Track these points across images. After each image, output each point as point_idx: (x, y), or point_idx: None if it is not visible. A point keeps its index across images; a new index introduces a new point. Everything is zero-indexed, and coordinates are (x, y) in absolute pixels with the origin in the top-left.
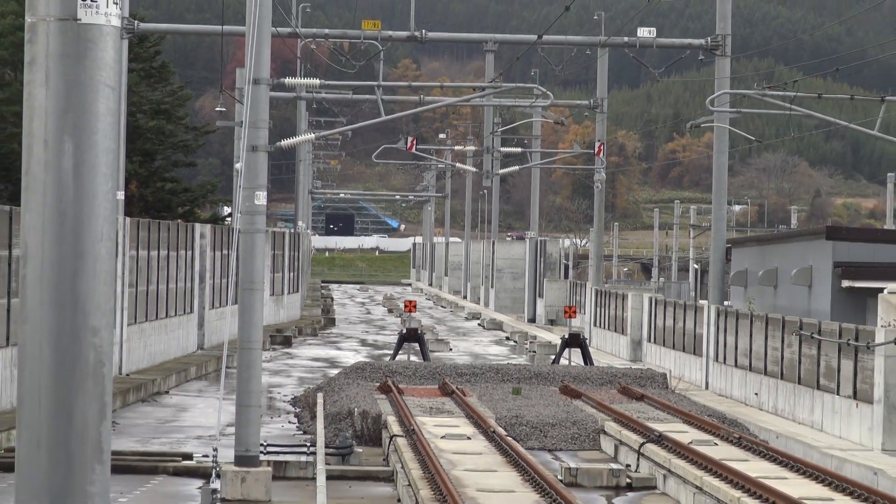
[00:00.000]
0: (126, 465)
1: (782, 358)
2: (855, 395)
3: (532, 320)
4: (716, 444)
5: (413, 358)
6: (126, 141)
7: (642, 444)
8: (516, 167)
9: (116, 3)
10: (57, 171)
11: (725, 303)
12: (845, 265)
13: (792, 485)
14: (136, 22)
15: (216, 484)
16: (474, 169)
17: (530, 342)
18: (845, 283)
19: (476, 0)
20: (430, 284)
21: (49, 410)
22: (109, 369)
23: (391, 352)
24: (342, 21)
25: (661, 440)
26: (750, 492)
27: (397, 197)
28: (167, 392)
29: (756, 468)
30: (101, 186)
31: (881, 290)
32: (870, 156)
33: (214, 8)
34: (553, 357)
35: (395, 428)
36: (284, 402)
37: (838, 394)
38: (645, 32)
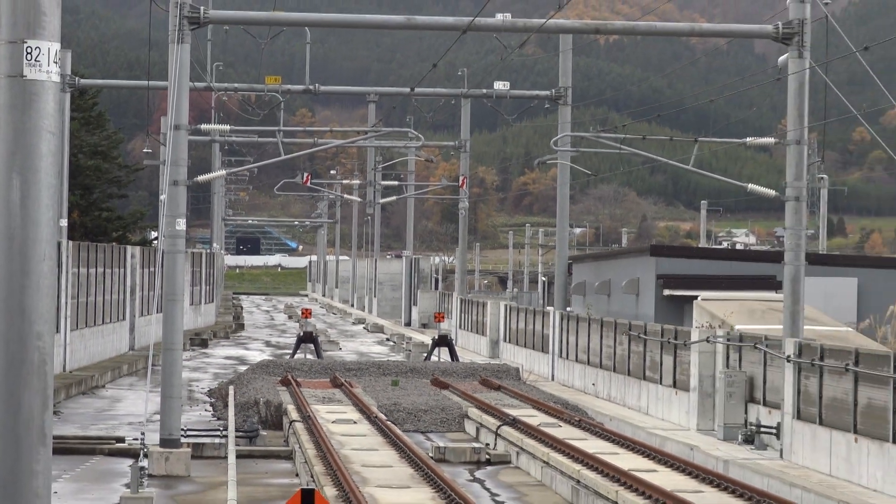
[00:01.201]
0: (68, 448)
1: (615, 354)
2: (675, 385)
3: (408, 324)
4: (560, 426)
5: (309, 356)
6: (69, 177)
7: (499, 427)
8: (394, 197)
9: (56, 63)
10: (6, 203)
11: (568, 309)
12: (666, 277)
13: (623, 459)
14: (77, 78)
15: (144, 462)
16: (359, 199)
17: (406, 342)
18: (666, 292)
19: (360, 59)
20: (324, 295)
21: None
22: (51, 368)
23: (291, 351)
24: (249, 77)
25: (514, 423)
26: (588, 465)
27: (296, 222)
28: (104, 386)
29: (593, 446)
30: (43, 215)
31: (696, 297)
32: (687, 186)
33: (143, 66)
34: (425, 354)
35: (294, 415)
36: (202, 393)
37: (661, 383)
38: (500, 85)
